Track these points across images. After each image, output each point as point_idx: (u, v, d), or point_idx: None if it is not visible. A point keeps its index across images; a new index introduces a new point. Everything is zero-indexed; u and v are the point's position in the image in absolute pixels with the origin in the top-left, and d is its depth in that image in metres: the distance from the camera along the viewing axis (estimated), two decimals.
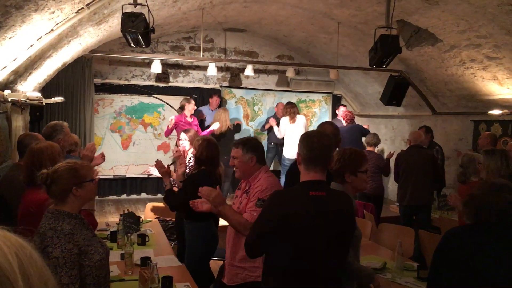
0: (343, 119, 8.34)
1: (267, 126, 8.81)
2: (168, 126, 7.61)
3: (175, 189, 4.21)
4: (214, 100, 8.55)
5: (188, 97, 8.19)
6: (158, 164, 4.21)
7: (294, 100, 9.80)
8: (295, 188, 2.40)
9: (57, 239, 2.14)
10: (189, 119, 7.75)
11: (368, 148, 7.03)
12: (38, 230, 2.21)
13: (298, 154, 2.40)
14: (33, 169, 2.82)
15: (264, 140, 9.37)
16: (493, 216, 2.20)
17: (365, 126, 8.64)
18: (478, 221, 2.27)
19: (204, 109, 8.63)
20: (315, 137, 2.40)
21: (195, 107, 7.91)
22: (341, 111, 8.80)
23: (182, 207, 3.97)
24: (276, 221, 2.27)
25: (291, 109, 8.24)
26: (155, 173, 5.02)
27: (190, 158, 4.83)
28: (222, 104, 9.14)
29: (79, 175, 2.33)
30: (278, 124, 8.42)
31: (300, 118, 8.26)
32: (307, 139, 2.39)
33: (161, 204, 5.49)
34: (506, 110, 6.46)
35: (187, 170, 4.52)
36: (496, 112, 6.57)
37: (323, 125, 3.70)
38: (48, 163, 2.80)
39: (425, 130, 6.81)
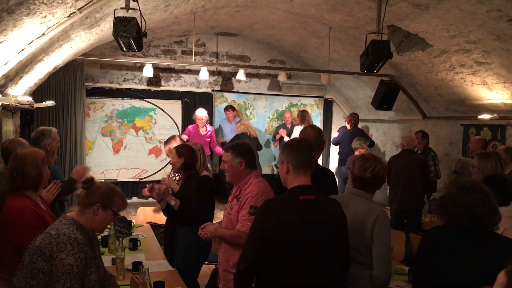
0: (348, 123, 8.73)
1: (277, 137, 8.96)
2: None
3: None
4: (230, 114, 8.72)
5: (200, 109, 8.24)
6: (158, 194, 3.86)
7: (285, 104, 9.87)
8: (285, 195, 2.41)
9: (71, 246, 2.17)
10: (201, 132, 7.91)
11: (356, 153, 7.03)
12: (48, 230, 2.22)
13: (284, 163, 2.41)
14: (15, 175, 2.77)
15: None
16: (466, 217, 2.21)
17: (369, 135, 8.90)
18: (453, 223, 2.29)
19: (223, 123, 8.86)
20: (302, 141, 2.48)
21: (203, 117, 7.97)
22: (346, 117, 9.10)
23: (194, 217, 3.92)
24: (269, 229, 2.27)
25: (307, 117, 8.52)
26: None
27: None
28: (213, 107, 9.18)
29: (112, 199, 2.40)
30: (288, 134, 8.63)
31: None
32: (294, 146, 2.44)
33: (152, 208, 5.48)
34: (495, 115, 6.53)
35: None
36: (485, 116, 6.63)
37: (305, 129, 3.71)
38: (31, 169, 2.76)
39: (422, 135, 6.87)
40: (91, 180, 2.40)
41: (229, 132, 8.57)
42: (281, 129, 8.80)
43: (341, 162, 8.65)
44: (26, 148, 3.08)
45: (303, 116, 8.59)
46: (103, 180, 2.51)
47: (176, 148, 4.09)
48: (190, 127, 8.06)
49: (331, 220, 2.35)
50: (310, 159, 2.42)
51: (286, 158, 2.41)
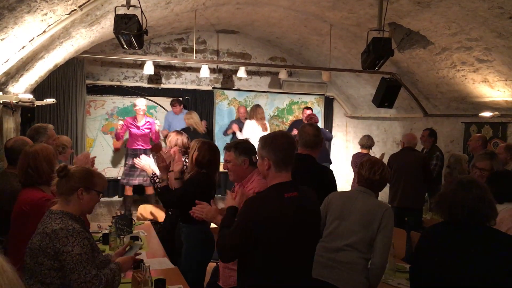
0: (307, 121, 8.21)
1: (229, 132, 8.75)
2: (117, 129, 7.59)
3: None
4: (177, 108, 8.40)
5: (140, 98, 7.98)
6: (159, 158, 4.01)
7: (286, 102, 9.86)
8: (269, 192, 2.40)
9: (72, 237, 2.20)
10: (139, 123, 7.62)
11: (362, 151, 7.01)
12: (43, 230, 2.23)
13: (265, 159, 2.39)
14: (29, 172, 2.87)
15: None
16: (464, 213, 2.25)
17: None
18: (451, 218, 2.33)
19: (169, 114, 8.55)
20: (283, 137, 2.44)
21: (141, 107, 7.63)
22: (306, 113, 8.73)
23: (178, 207, 3.96)
24: (256, 226, 2.29)
25: (260, 113, 8.27)
26: (144, 161, 4.84)
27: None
28: (213, 105, 9.17)
29: (92, 180, 2.42)
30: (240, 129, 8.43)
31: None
32: (275, 144, 2.40)
33: (153, 206, 5.48)
34: (496, 112, 6.52)
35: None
36: (486, 114, 6.62)
37: (304, 127, 3.70)
38: (45, 165, 2.88)
39: (429, 134, 6.58)
40: (65, 167, 2.40)
41: (176, 125, 8.18)
42: (234, 124, 8.56)
43: None
44: (36, 145, 3.14)
45: (253, 110, 8.33)
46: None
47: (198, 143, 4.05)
48: (128, 118, 7.72)
49: (312, 216, 2.48)
50: (292, 156, 2.43)
51: (267, 155, 2.39)
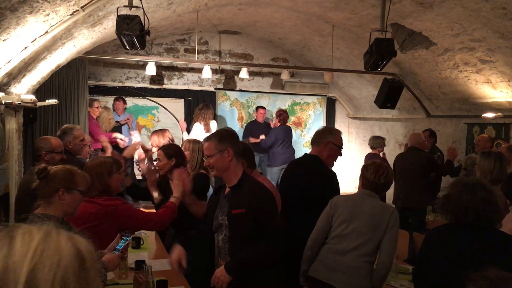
0: (277, 118, 8.40)
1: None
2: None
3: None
4: (117, 105, 8.22)
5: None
6: (149, 171, 3.84)
7: (288, 103, 9.83)
8: (252, 178, 2.81)
9: None
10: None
11: (373, 152, 7.00)
12: None
13: (229, 151, 2.62)
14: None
15: None
16: (470, 215, 2.26)
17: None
18: (457, 221, 2.33)
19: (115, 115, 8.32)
20: (234, 132, 2.85)
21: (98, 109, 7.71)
22: (261, 112, 8.80)
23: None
24: None
25: (206, 114, 8.04)
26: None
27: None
28: (215, 106, 9.15)
29: (73, 180, 2.36)
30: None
31: (213, 124, 8.15)
32: (232, 135, 2.76)
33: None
34: (499, 113, 6.50)
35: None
36: (489, 115, 6.60)
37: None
38: (96, 182, 2.93)
39: (429, 134, 6.73)
40: (44, 169, 2.34)
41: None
42: (181, 120, 8.55)
43: (283, 161, 7.88)
44: (94, 160, 3.27)
45: (199, 114, 8.11)
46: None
47: (164, 149, 3.85)
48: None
49: None
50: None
51: (230, 146, 2.60)
